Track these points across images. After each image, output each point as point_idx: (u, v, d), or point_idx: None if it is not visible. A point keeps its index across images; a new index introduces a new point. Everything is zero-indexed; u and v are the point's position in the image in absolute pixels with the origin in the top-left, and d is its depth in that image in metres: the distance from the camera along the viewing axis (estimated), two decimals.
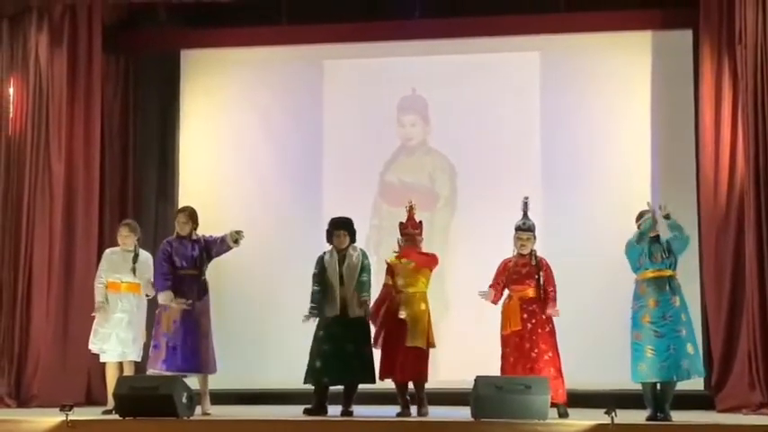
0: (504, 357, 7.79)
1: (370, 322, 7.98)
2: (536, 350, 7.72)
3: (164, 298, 8.04)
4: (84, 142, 9.42)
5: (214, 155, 10.17)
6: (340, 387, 7.98)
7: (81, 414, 7.57)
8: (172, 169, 10.20)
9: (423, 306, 7.92)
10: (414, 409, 7.86)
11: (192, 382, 7.95)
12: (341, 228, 8.06)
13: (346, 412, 7.80)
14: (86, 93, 9.46)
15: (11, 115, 9.33)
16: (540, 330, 7.78)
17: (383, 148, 9.92)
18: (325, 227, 8.22)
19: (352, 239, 8.12)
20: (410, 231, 8.03)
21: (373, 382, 7.88)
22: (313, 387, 7.92)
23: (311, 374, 7.88)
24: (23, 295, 9.09)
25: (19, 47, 9.42)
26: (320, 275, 8.00)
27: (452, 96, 9.79)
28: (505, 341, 7.81)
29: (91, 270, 9.16)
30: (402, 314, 7.78)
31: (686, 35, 9.47)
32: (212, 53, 10.26)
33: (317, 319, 7.95)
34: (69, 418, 7.19)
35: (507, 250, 8.97)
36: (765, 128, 8.36)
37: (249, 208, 9.91)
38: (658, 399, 7.43)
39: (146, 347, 8.28)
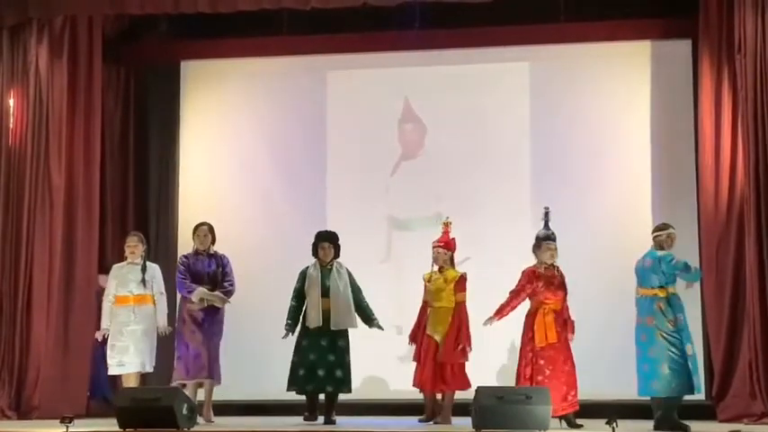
0: (538, 370, 7.73)
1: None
2: (569, 363, 7.77)
3: (198, 294, 8.23)
4: (85, 153, 9.40)
5: (215, 166, 10.17)
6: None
7: (81, 426, 7.58)
8: (173, 180, 10.20)
9: (450, 320, 8.03)
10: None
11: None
12: (325, 240, 8.21)
13: (330, 421, 7.98)
14: (87, 104, 9.45)
15: (11, 126, 9.33)
16: (568, 343, 7.86)
17: (385, 157, 9.91)
18: None
19: (337, 254, 8.26)
20: (437, 247, 8.20)
21: (350, 391, 8.10)
22: (302, 394, 8.13)
23: (296, 382, 8.04)
24: (24, 307, 9.06)
25: (19, 58, 9.41)
26: (301, 290, 8.17)
27: (453, 105, 9.79)
28: (539, 354, 7.75)
29: (91, 281, 9.20)
30: (429, 330, 8.03)
31: (685, 45, 9.49)
32: (213, 64, 10.27)
33: (294, 332, 8.14)
34: (70, 429, 7.20)
35: (504, 260, 9.05)
36: (765, 137, 8.37)
37: (251, 218, 9.91)
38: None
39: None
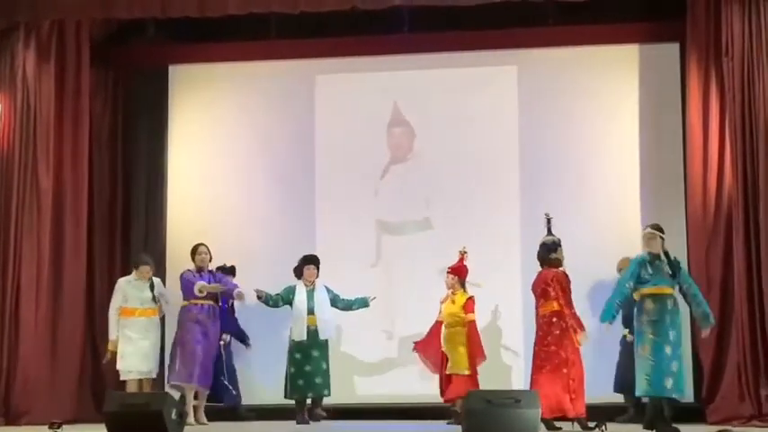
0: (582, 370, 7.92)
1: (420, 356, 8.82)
2: None
3: (198, 287, 8.60)
4: (73, 158, 9.37)
5: (203, 169, 10.12)
6: None
7: (70, 431, 7.54)
8: (161, 185, 10.17)
9: (459, 338, 8.53)
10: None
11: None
12: (311, 263, 8.96)
13: (320, 415, 8.74)
14: (74, 108, 9.42)
15: None
16: None
17: (374, 161, 9.90)
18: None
19: (317, 274, 8.95)
20: (448, 273, 8.69)
21: (329, 394, 8.83)
22: (295, 401, 8.74)
23: (297, 390, 8.72)
24: (11, 312, 9.02)
25: (6, 63, 9.37)
26: (286, 296, 8.85)
27: (442, 109, 9.79)
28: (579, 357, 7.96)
29: (79, 287, 9.17)
30: (444, 347, 8.59)
31: (673, 48, 9.51)
32: (201, 68, 10.24)
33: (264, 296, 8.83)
34: None
35: (493, 264, 9.05)
36: (753, 140, 8.41)
37: (240, 222, 9.88)
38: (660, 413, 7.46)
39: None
